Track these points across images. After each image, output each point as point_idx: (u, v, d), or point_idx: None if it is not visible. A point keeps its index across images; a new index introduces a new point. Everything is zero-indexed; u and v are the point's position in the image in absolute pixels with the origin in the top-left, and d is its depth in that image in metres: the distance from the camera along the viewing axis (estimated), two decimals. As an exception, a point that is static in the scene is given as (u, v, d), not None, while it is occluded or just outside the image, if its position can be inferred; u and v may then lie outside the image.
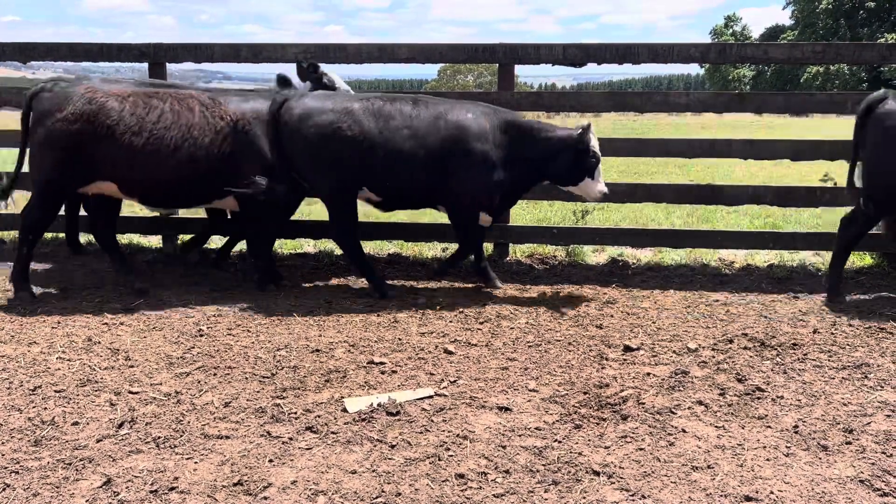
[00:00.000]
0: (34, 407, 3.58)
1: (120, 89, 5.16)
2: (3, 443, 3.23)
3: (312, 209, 7.59)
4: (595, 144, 5.33)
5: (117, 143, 4.96)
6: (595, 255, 6.63)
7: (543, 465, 3.08)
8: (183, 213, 6.61)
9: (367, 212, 5.82)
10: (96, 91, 5.05)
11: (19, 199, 5.66)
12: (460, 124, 5.24)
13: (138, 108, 5.02)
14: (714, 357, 4.27)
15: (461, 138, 5.22)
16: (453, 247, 6.78)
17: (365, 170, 5.23)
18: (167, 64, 6.46)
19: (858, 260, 6.37)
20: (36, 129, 5.03)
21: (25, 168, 5.29)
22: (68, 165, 5.01)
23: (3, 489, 2.88)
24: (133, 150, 4.97)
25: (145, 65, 6.47)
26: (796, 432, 3.39)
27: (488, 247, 6.60)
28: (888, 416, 3.56)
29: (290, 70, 6.11)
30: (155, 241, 6.90)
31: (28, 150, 5.19)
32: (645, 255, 6.60)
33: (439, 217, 6.01)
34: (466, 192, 5.33)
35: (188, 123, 5.04)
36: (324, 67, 5.97)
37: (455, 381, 3.92)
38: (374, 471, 3.03)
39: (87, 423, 3.42)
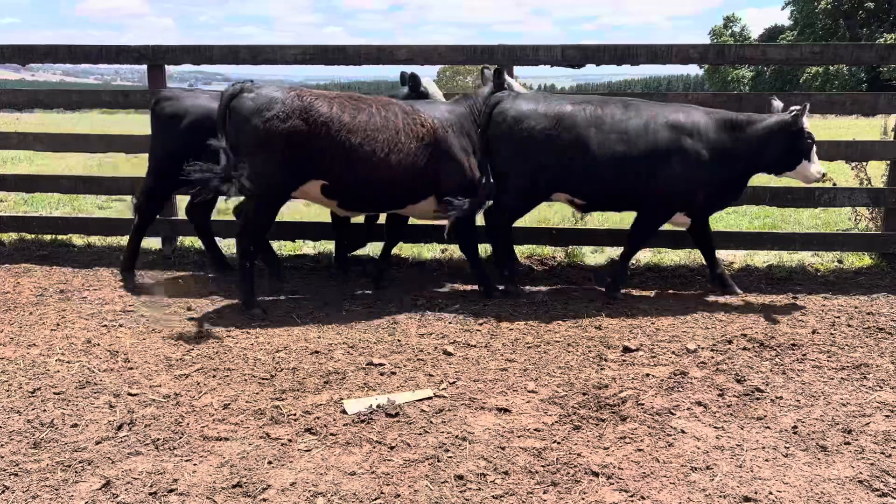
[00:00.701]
0: (33, 409, 3.58)
1: (321, 91, 5.07)
2: (2, 445, 3.23)
3: (310, 211, 7.58)
4: (808, 125, 5.23)
5: (333, 141, 4.84)
6: (594, 256, 6.63)
7: (542, 466, 3.09)
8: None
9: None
10: (303, 90, 4.94)
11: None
12: (673, 126, 5.19)
13: (348, 109, 4.92)
14: (713, 358, 4.28)
15: (673, 140, 5.17)
16: (452, 248, 6.79)
17: (569, 173, 5.23)
18: (166, 66, 6.46)
19: (858, 260, 6.38)
20: (242, 133, 4.80)
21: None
22: (286, 165, 4.84)
23: (3, 491, 2.88)
24: (348, 149, 4.86)
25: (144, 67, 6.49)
26: (795, 433, 3.39)
27: (487, 248, 6.60)
28: (887, 416, 3.56)
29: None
30: (154, 243, 6.90)
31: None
32: (644, 256, 6.61)
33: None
34: (671, 194, 5.26)
35: (395, 127, 4.98)
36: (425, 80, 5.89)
37: (454, 383, 3.92)
38: (373, 472, 3.03)
39: (87, 425, 3.42)
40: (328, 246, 6.84)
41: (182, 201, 8.09)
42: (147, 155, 5.92)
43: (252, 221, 5.03)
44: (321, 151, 4.84)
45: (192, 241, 6.87)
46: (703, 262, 6.40)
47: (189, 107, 5.55)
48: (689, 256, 6.54)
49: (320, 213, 6.55)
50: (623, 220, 6.06)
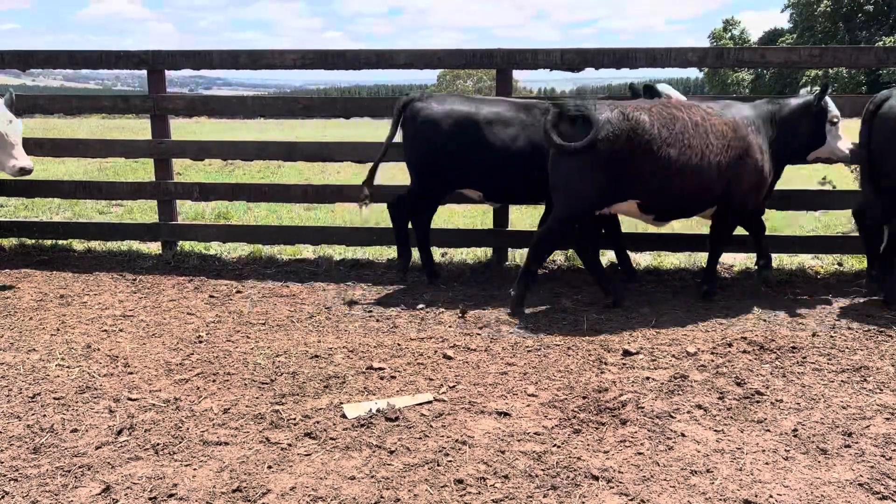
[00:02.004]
0: (33, 414, 3.58)
1: (640, 104, 4.98)
2: (2, 450, 3.23)
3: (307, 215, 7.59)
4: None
5: (655, 158, 4.76)
6: (594, 260, 6.62)
7: (542, 470, 3.08)
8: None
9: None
10: (626, 107, 4.84)
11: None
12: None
13: (666, 121, 4.81)
14: (713, 361, 4.27)
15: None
16: (452, 251, 6.79)
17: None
18: (166, 71, 6.48)
19: (857, 263, 6.37)
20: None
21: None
22: (605, 187, 4.84)
23: (3, 497, 2.88)
24: (668, 164, 4.78)
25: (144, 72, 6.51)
26: (795, 436, 3.39)
27: (487, 252, 6.61)
28: (887, 419, 3.56)
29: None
30: (154, 247, 6.91)
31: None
32: (644, 259, 6.61)
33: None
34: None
35: (705, 131, 4.89)
36: (660, 86, 5.78)
37: (454, 387, 3.92)
38: (373, 476, 3.03)
39: (86, 431, 3.42)
40: (327, 250, 6.84)
41: (182, 206, 8.13)
42: None
43: (554, 232, 5.06)
44: (643, 171, 4.79)
45: (193, 246, 6.88)
46: (703, 264, 6.41)
47: (448, 110, 5.50)
48: (690, 259, 6.54)
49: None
50: (623, 223, 6.05)
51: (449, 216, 9.09)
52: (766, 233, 5.73)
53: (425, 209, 5.84)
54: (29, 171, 5.62)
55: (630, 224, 6.19)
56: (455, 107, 5.53)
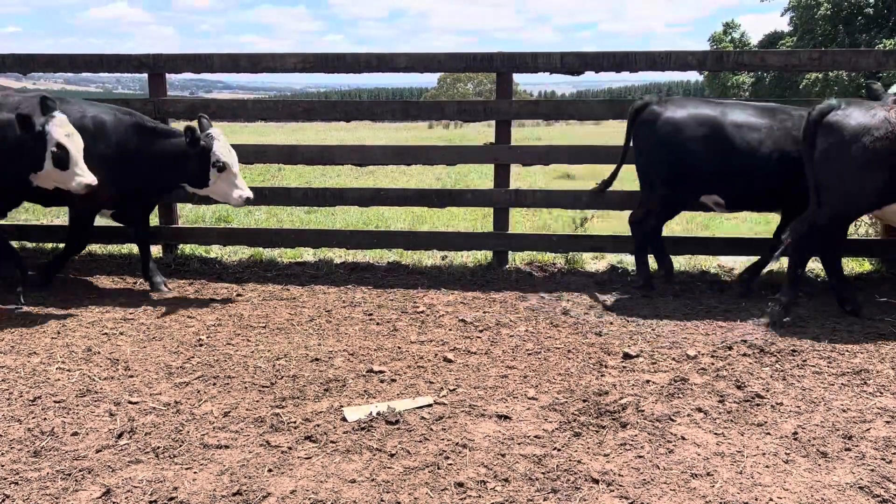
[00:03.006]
0: (34, 417, 3.58)
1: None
2: (2, 453, 3.23)
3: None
4: None
5: None
6: (594, 263, 6.63)
7: (543, 473, 3.08)
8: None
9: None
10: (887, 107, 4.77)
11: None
12: None
13: None
14: (713, 364, 4.27)
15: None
16: (452, 255, 6.80)
17: None
18: (167, 74, 6.49)
19: (857, 266, 6.38)
20: (839, 152, 4.73)
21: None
22: (882, 187, 4.74)
23: (3, 500, 2.88)
24: None
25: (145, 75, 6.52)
26: (796, 439, 3.39)
27: (487, 255, 6.61)
28: (888, 422, 3.56)
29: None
30: (155, 250, 6.90)
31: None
32: (644, 262, 6.60)
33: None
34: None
35: None
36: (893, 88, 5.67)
37: (454, 390, 3.92)
38: (373, 480, 3.03)
39: (87, 434, 3.42)
40: (328, 253, 6.85)
41: (182, 209, 8.13)
42: None
43: (821, 231, 4.94)
44: None
45: (193, 249, 6.88)
46: (704, 267, 6.42)
47: (692, 114, 5.40)
48: (690, 262, 6.54)
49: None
50: (624, 225, 6.05)
51: (449, 219, 9.10)
52: (765, 235, 5.74)
53: (660, 218, 5.70)
54: (251, 201, 5.52)
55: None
56: (700, 111, 5.39)
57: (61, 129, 4.84)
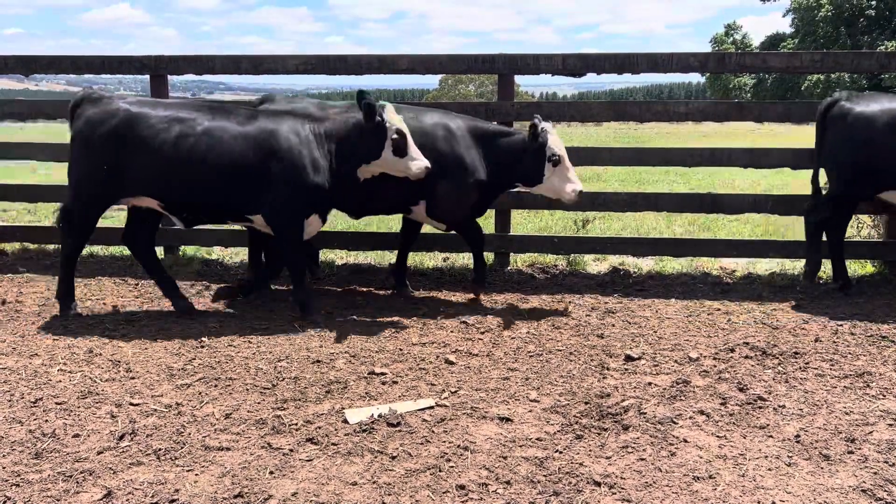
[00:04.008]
0: (35, 419, 3.58)
1: None
2: (3, 455, 3.22)
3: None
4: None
5: None
6: (596, 265, 6.63)
7: (544, 475, 3.08)
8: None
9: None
10: None
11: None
12: None
13: None
14: (715, 366, 4.27)
15: None
16: (454, 257, 6.80)
17: None
18: (168, 76, 6.50)
19: (860, 268, 6.37)
20: None
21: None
22: None
23: (4, 502, 2.88)
24: None
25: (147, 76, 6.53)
26: (798, 442, 3.38)
27: (489, 256, 6.61)
28: (890, 424, 3.55)
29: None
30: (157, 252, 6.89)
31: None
32: (646, 264, 6.60)
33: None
34: None
35: None
36: None
37: (456, 392, 3.91)
38: (374, 482, 3.02)
39: (88, 436, 3.42)
40: (329, 255, 6.84)
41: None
42: None
43: None
44: None
45: (195, 251, 6.88)
46: (705, 269, 6.41)
47: (885, 109, 5.33)
48: (692, 264, 6.54)
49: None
50: (626, 227, 6.05)
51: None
52: (767, 237, 5.73)
53: (845, 213, 5.66)
54: (582, 193, 5.34)
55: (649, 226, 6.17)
56: (893, 105, 5.33)
57: (396, 117, 4.88)
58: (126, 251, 6.87)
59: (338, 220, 8.83)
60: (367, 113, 4.78)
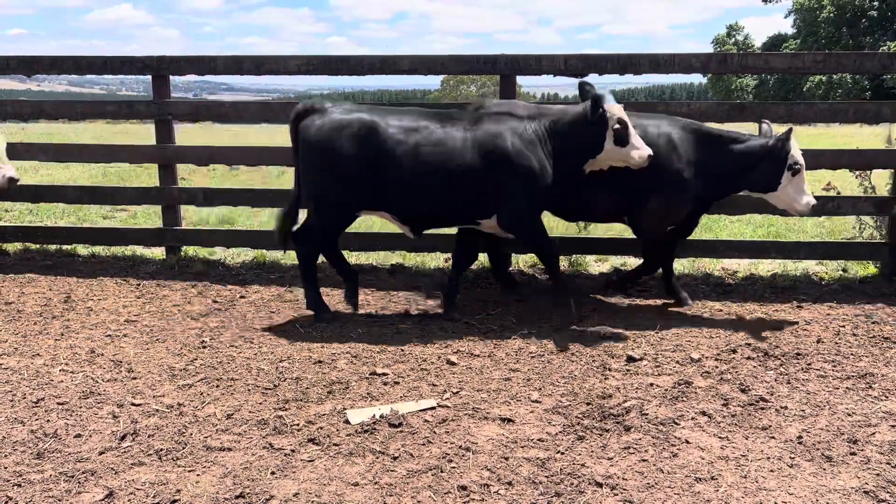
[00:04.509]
0: (37, 419, 3.58)
1: None
2: (5, 455, 3.23)
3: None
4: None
5: None
6: (597, 265, 6.63)
7: (546, 476, 3.07)
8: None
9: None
10: None
11: None
12: None
13: None
14: (717, 367, 4.26)
15: None
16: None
17: None
18: (171, 76, 6.50)
19: (862, 269, 6.35)
20: None
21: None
22: None
23: (6, 502, 2.88)
24: None
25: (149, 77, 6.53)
26: (800, 443, 3.37)
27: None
28: (893, 426, 3.54)
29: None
30: (158, 252, 6.91)
31: None
32: (648, 265, 6.58)
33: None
34: None
35: None
36: None
37: (457, 392, 3.91)
38: (376, 483, 3.02)
39: (90, 436, 3.42)
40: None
41: (185, 211, 8.13)
42: None
43: None
44: None
45: (197, 251, 6.89)
46: (707, 270, 6.40)
47: None
48: (693, 265, 6.53)
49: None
50: (627, 228, 6.03)
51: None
52: (769, 238, 5.72)
53: None
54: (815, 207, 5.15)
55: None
56: None
57: (616, 105, 4.79)
58: (128, 251, 6.89)
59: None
60: (593, 104, 4.69)
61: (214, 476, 3.08)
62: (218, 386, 3.99)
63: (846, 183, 7.45)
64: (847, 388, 3.99)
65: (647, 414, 3.65)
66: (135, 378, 4.10)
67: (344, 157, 4.73)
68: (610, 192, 5.13)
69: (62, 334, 4.80)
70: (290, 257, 6.81)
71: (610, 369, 4.24)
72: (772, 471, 3.13)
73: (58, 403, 3.76)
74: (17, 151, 6.92)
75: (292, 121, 4.99)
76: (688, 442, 3.38)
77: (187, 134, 17.50)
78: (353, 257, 6.86)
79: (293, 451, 3.28)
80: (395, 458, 3.22)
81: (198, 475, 3.08)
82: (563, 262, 6.54)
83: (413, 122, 4.83)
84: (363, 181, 4.78)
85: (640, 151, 4.75)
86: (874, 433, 3.47)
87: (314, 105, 4.95)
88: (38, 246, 6.98)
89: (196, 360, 4.37)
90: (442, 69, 6.41)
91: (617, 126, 4.71)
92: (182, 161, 6.81)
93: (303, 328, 4.94)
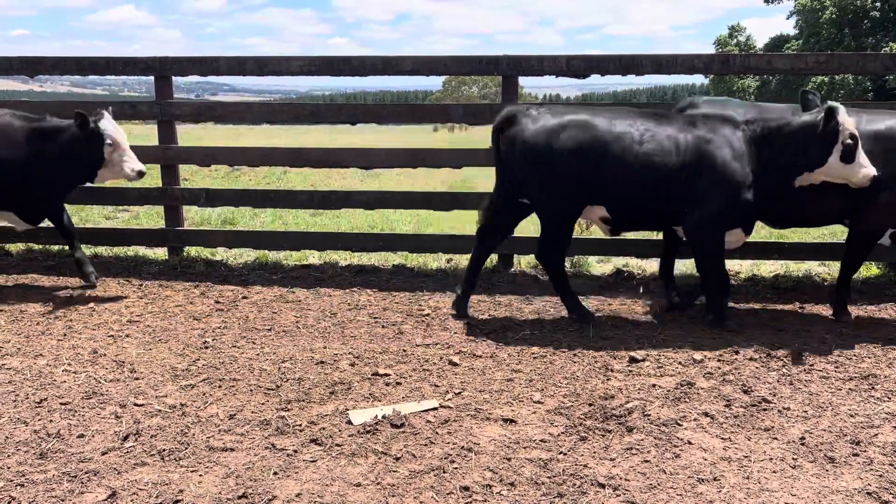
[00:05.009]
0: (40, 419, 3.59)
1: None
2: (9, 455, 3.23)
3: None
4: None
5: None
6: (600, 266, 6.62)
7: (549, 477, 3.07)
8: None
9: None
10: None
11: None
12: None
13: None
14: (720, 368, 4.26)
15: None
16: (457, 258, 6.80)
17: None
18: (173, 77, 6.51)
19: (865, 270, 6.35)
20: None
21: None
22: None
23: (10, 502, 2.89)
24: None
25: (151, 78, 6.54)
26: (803, 444, 3.37)
27: (493, 258, 6.60)
28: (895, 427, 3.54)
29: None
30: (161, 253, 6.92)
31: None
32: (650, 266, 6.58)
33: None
34: None
35: None
36: None
37: (460, 393, 3.91)
38: (378, 483, 3.02)
39: (93, 436, 3.42)
40: (333, 256, 6.85)
41: (188, 211, 8.14)
42: None
43: None
44: None
45: (199, 251, 6.89)
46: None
47: None
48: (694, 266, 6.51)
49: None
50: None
51: (454, 222, 9.08)
52: (773, 240, 5.70)
53: None
54: None
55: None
56: None
57: (850, 119, 4.54)
58: (130, 252, 6.89)
59: (342, 221, 8.85)
60: (827, 116, 4.46)
61: (217, 476, 3.08)
62: (220, 386, 3.99)
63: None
64: (850, 389, 3.99)
65: (649, 415, 3.65)
66: (137, 378, 4.10)
67: (563, 157, 4.72)
68: (832, 196, 4.82)
69: (65, 335, 4.81)
70: (292, 258, 6.82)
71: (612, 370, 4.24)
72: (774, 472, 3.13)
73: (60, 404, 3.77)
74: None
75: (498, 126, 5.01)
76: (690, 443, 3.38)
77: (189, 134, 17.54)
78: (356, 258, 6.87)
79: (295, 451, 3.29)
80: (397, 459, 3.22)
81: (200, 475, 3.09)
82: (566, 263, 6.53)
83: (626, 120, 4.80)
84: (581, 179, 4.75)
85: (866, 170, 4.53)
86: (877, 434, 3.47)
87: (521, 110, 4.97)
88: (40, 246, 6.99)
89: (198, 360, 4.37)
90: (444, 70, 6.42)
91: (849, 141, 4.48)
92: (184, 162, 6.82)
93: (305, 329, 4.93)
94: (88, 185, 5.75)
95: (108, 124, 5.41)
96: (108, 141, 5.36)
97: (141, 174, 5.43)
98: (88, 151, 5.39)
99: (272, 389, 3.95)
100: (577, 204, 4.92)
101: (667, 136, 4.72)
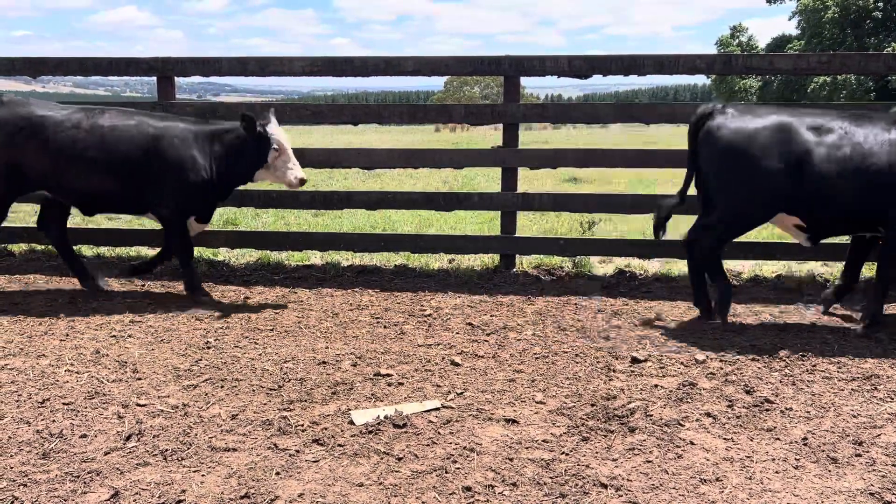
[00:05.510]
0: (42, 419, 3.59)
1: None
2: (11, 455, 3.24)
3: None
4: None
5: None
6: (602, 267, 6.62)
7: (551, 477, 3.07)
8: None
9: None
10: None
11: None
12: None
13: None
14: (722, 368, 4.26)
15: None
16: (459, 258, 6.81)
17: None
18: (175, 77, 6.52)
19: (867, 270, 6.34)
20: None
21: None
22: None
23: (12, 502, 2.89)
24: None
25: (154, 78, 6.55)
26: (805, 444, 3.37)
27: (494, 258, 6.60)
28: (898, 427, 3.53)
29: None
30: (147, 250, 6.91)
31: None
32: (652, 266, 6.59)
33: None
34: None
35: None
36: None
37: (462, 393, 3.91)
38: (380, 483, 3.02)
39: (95, 436, 3.43)
40: (335, 256, 6.86)
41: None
42: None
43: None
44: None
45: (201, 252, 6.90)
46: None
47: None
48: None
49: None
50: (632, 229, 6.04)
51: (456, 223, 9.10)
52: (775, 240, 5.70)
53: None
54: None
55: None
56: None
57: None
58: (132, 252, 6.90)
59: (344, 222, 8.85)
60: None
61: (219, 476, 3.08)
62: (223, 386, 4.00)
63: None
64: (852, 389, 3.99)
65: (651, 415, 3.64)
66: (140, 378, 4.11)
67: (762, 158, 4.68)
68: None
69: (67, 335, 4.82)
70: (294, 258, 6.83)
71: (614, 370, 4.24)
72: (777, 472, 3.13)
73: (63, 404, 3.77)
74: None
75: (694, 123, 4.98)
76: (692, 443, 3.37)
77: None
78: (357, 258, 6.87)
79: (298, 451, 3.29)
80: (399, 459, 3.22)
81: (203, 475, 3.09)
82: (568, 264, 6.54)
83: (828, 121, 4.73)
84: (779, 182, 4.68)
85: None
86: (879, 435, 3.46)
87: (718, 107, 4.93)
88: (43, 247, 7.00)
89: (201, 360, 4.38)
90: (446, 70, 6.43)
91: None
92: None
93: (307, 329, 4.94)
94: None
95: (275, 128, 5.38)
96: (275, 146, 5.33)
97: (303, 182, 5.40)
98: (255, 154, 5.36)
99: (274, 389, 3.95)
100: (767, 207, 4.84)
101: (871, 137, 4.61)
